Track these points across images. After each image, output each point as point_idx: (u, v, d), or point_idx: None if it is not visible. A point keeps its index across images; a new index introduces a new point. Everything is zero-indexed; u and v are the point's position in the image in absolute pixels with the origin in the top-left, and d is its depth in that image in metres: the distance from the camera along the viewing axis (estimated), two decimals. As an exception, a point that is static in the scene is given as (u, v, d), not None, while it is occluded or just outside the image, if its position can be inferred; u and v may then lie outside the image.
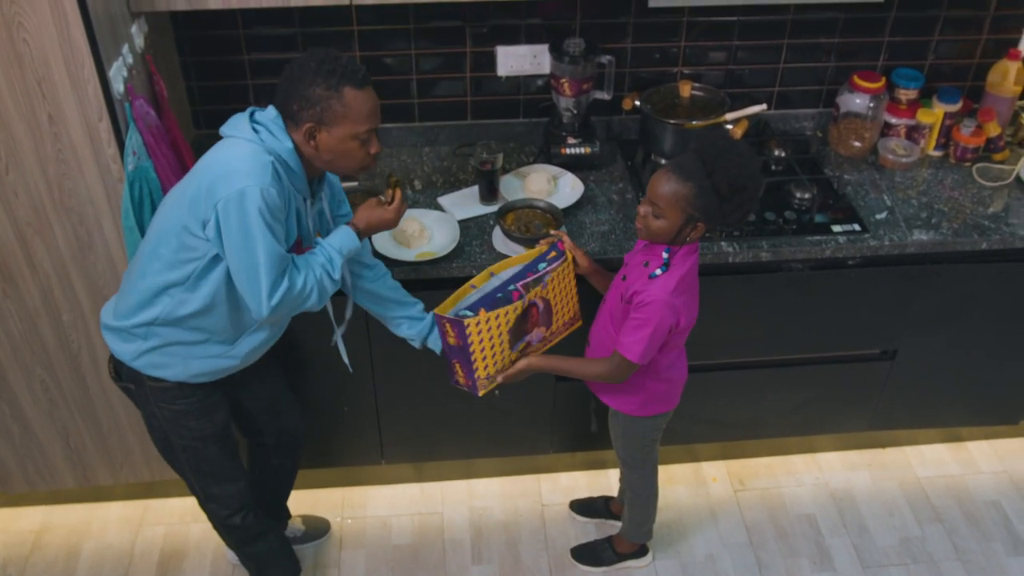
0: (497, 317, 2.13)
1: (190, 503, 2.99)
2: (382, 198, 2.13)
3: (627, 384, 2.31)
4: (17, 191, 2.19)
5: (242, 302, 2.00)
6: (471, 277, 2.28)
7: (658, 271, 2.12)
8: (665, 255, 2.12)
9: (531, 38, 2.79)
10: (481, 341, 2.14)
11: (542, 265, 2.24)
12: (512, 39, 2.79)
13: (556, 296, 2.27)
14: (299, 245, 2.07)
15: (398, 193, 2.12)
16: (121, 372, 2.18)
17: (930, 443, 3.27)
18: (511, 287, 2.19)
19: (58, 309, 2.43)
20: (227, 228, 1.85)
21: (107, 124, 2.12)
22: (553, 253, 2.27)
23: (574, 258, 2.31)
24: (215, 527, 2.52)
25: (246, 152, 1.89)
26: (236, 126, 1.94)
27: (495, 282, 2.24)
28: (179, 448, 2.26)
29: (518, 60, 2.83)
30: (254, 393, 2.38)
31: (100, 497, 3.00)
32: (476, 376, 2.19)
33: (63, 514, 2.99)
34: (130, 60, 2.22)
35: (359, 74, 1.91)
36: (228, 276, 1.96)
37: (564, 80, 2.72)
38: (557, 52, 2.69)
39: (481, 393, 2.23)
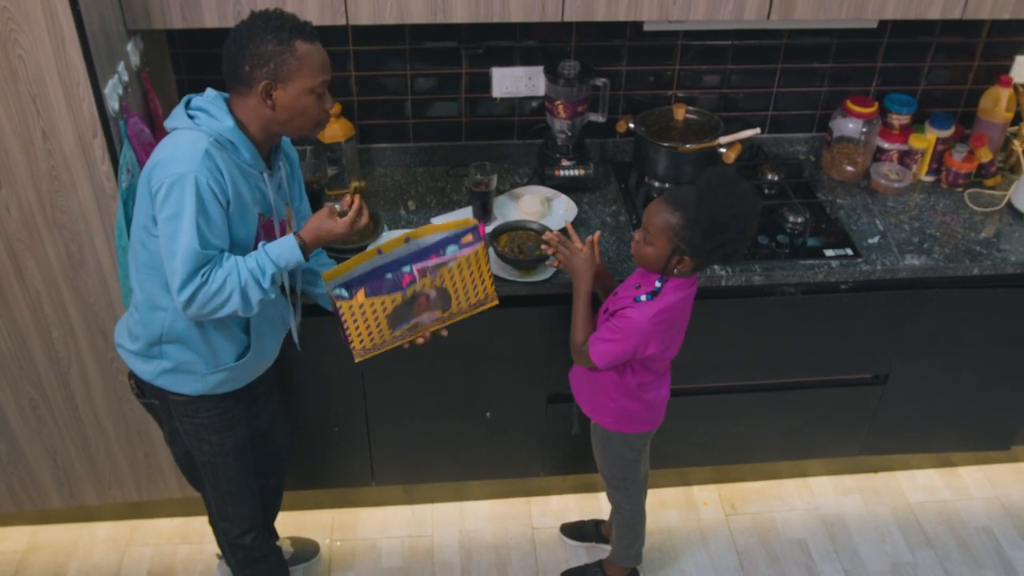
0: (372, 304, 2.07)
1: (178, 524, 2.97)
2: (337, 207, 2.01)
3: (602, 397, 2.35)
4: (9, 207, 2.18)
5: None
6: None
7: (643, 297, 2.14)
8: (658, 284, 2.14)
9: (526, 60, 2.80)
10: (355, 320, 2.09)
11: (452, 248, 2.12)
12: (507, 61, 2.80)
13: (459, 281, 2.16)
14: (271, 226, 2.04)
15: (356, 200, 2.02)
16: (144, 389, 2.19)
17: (922, 468, 3.27)
18: (406, 268, 2.08)
19: (48, 326, 2.41)
20: (158, 210, 1.85)
21: (101, 141, 2.11)
22: (470, 236, 2.14)
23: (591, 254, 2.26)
24: (221, 545, 2.51)
25: (182, 140, 1.87)
26: (174, 117, 1.93)
27: (400, 252, 2.11)
28: (201, 464, 2.26)
29: (513, 82, 2.84)
30: (256, 411, 2.36)
31: (87, 517, 2.98)
32: (352, 347, 2.15)
33: (49, 534, 2.96)
34: (125, 77, 2.21)
35: (307, 28, 1.91)
36: None
37: (559, 102, 2.73)
38: (552, 74, 2.70)
39: (357, 360, 2.17)
